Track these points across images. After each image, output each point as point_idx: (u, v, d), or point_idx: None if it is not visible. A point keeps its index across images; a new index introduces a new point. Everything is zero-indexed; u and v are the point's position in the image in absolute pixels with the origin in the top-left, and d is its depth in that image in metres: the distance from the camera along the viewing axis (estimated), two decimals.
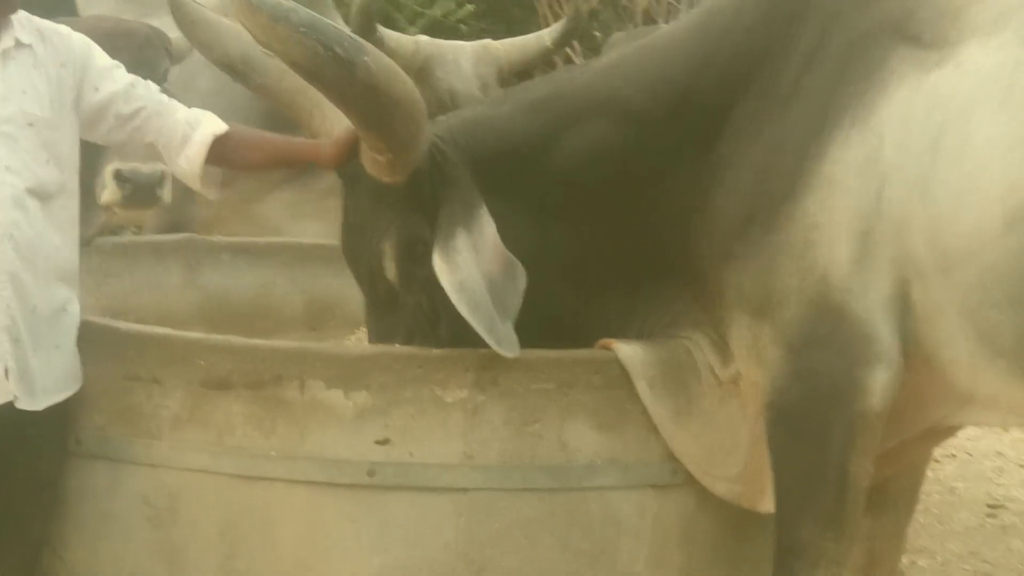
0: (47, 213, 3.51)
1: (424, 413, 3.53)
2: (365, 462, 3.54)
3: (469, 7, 9.63)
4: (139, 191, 4.16)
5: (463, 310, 3.40)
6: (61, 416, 3.59)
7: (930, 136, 3.29)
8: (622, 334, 3.72)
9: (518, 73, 5.84)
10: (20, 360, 3.46)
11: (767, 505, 3.59)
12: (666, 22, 9.40)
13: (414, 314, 3.66)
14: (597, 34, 10.48)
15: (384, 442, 3.53)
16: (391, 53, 5.43)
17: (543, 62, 6.15)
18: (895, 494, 3.89)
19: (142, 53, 4.63)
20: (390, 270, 3.65)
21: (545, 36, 5.87)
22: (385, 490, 3.55)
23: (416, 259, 3.59)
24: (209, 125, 3.75)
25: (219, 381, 3.56)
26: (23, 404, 3.47)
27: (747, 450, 3.64)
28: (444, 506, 3.57)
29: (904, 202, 3.30)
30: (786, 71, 3.54)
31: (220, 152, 3.75)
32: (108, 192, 4.20)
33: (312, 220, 5.63)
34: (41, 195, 3.49)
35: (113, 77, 3.68)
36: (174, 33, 4.54)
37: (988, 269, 3.20)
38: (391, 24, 8.15)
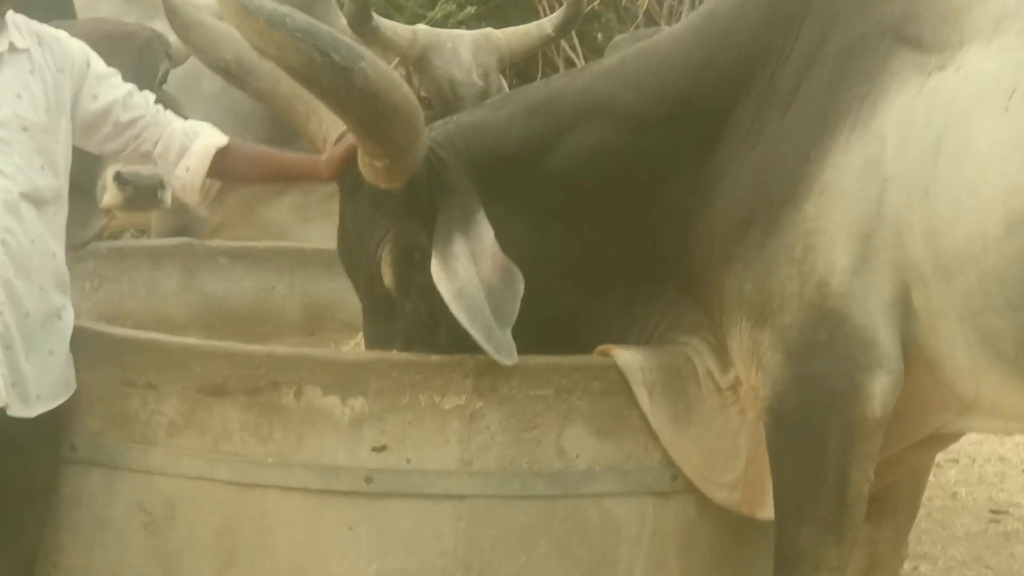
0: (42, 219, 3.49)
1: (422, 419, 3.52)
2: (362, 469, 3.52)
3: (470, 9, 9.60)
4: (140, 194, 4.14)
5: (461, 317, 3.38)
6: (55, 422, 3.57)
7: (931, 140, 3.27)
8: (621, 339, 3.70)
9: (519, 61, 5.82)
10: (13, 367, 3.44)
11: (767, 511, 3.57)
12: (668, 24, 9.39)
13: (412, 321, 3.64)
14: (598, 36, 10.46)
15: (381, 449, 3.51)
16: (388, 43, 5.43)
17: (547, 65, 6.12)
18: (896, 500, 3.87)
19: (141, 56, 4.60)
20: (387, 276, 3.62)
21: (546, 24, 5.84)
22: (382, 497, 3.54)
23: (414, 265, 3.57)
24: (209, 137, 3.74)
25: (215, 387, 3.55)
26: (16, 411, 3.46)
27: (747, 456, 3.63)
28: (442, 513, 3.55)
29: (905, 206, 3.28)
30: (786, 74, 3.52)
31: (219, 165, 3.75)
32: (109, 195, 4.18)
33: (318, 222, 5.62)
34: (36, 201, 3.47)
35: (112, 85, 3.67)
36: (174, 36, 4.52)
37: (989, 273, 3.19)
38: None
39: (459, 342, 3.44)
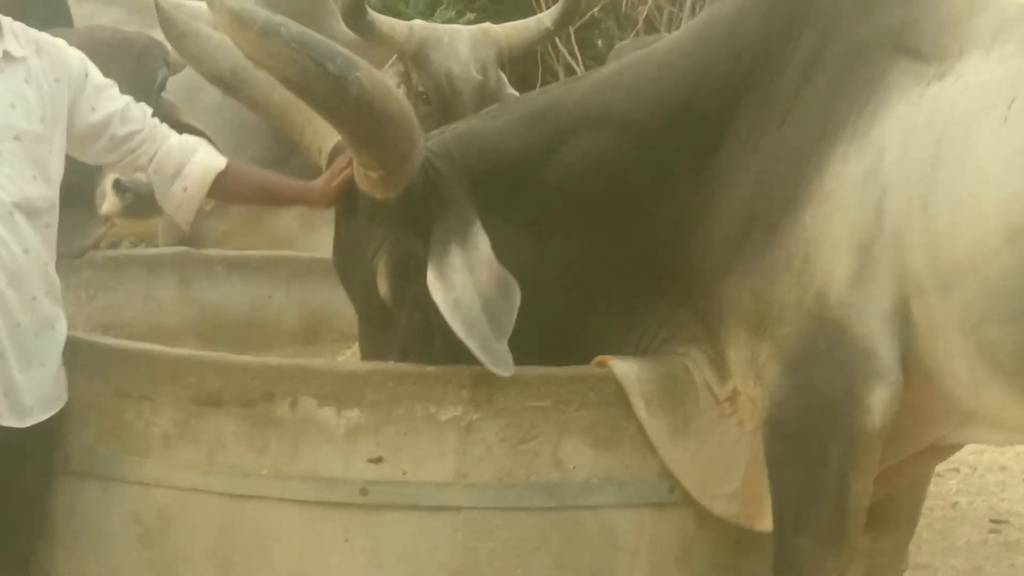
0: (35, 229, 3.46)
1: (418, 431, 3.49)
2: (358, 480, 3.50)
3: (469, 16, 9.60)
4: (139, 201, 4.13)
5: (457, 328, 3.36)
6: (46, 433, 3.55)
7: (930, 149, 3.26)
8: (619, 350, 3.68)
9: (520, 68, 5.79)
10: (5, 377, 3.42)
11: (765, 523, 3.55)
12: (668, 31, 9.38)
13: (407, 332, 3.62)
14: (599, 42, 10.46)
15: (377, 460, 3.49)
16: (384, 38, 5.41)
17: (547, 72, 6.09)
18: (896, 512, 3.85)
19: (139, 63, 4.60)
20: (383, 287, 3.60)
21: (545, 18, 5.80)
22: (378, 509, 3.51)
23: (409, 276, 3.55)
24: (207, 157, 3.73)
25: (210, 398, 3.52)
26: (7, 421, 3.44)
27: (745, 467, 3.61)
28: (438, 525, 3.53)
29: (904, 216, 3.26)
30: (785, 84, 3.51)
31: (216, 187, 3.75)
32: (108, 202, 4.18)
33: (325, 231, 5.55)
34: (29, 211, 3.44)
35: (110, 97, 3.64)
36: None
37: (989, 284, 3.17)
38: None
39: (455, 353, 3.42)
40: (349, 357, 4.59)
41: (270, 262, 5.11)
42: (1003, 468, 6.50)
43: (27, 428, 3.48)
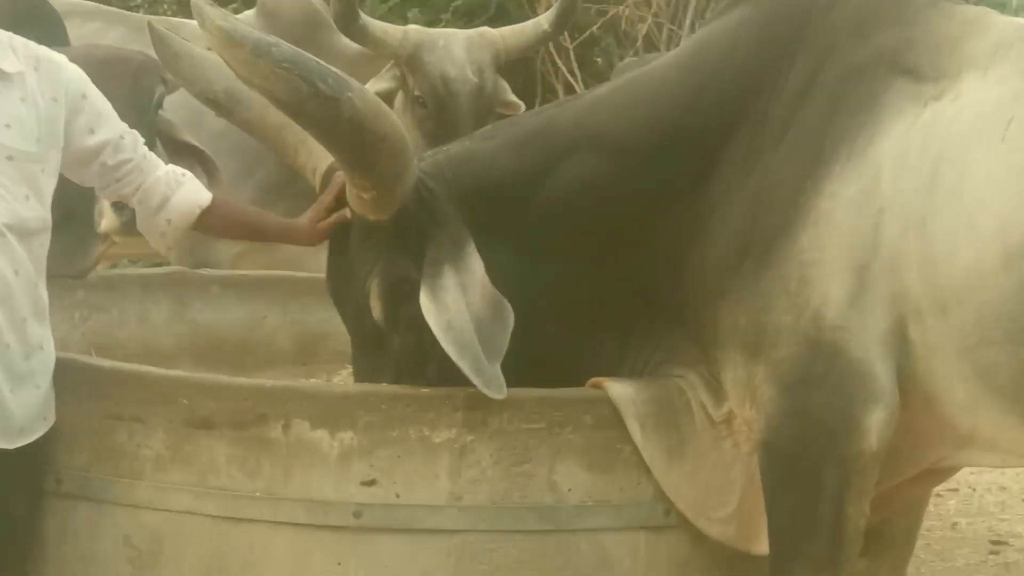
0: (26, 249, 3.43)
1: (411, 453, 3.47)
2: (351, 503, 3.47)
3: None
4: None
5: (450, 350, 3.35)
6: (35, 455, 3.53)
7: (927, 170, 3.25)
8: (614, 372, 3.66)
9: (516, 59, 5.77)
10: None
11: (761, 547, 3.53)
12: (667, 49, 9.36)
13: (401, 354, 3.61)
14: (598, 60, 10.45)
15: (370, 483, 3.47)
16: (378, 42, 5.39)
17: (547, 90, 6.06)
18: (893, 535, 3.83)
19: (136, 81, 4.59)
20: (376, 309, 3.59)
21: (542, 20, 5.77)
22: (372, 532, 3.49)
23: (402, 299, 3.53)
24: (192, 192, 3.71)
25: (202, 420, 3.51)
26: None
27: (741, 490, 3.59)
28: (432, 548, 3.51)
29: (901, 238, 3.25)
30: (780, 104, 3.50)
31: (200, 222, 3.75)
32: (106, 220, 4.16)
33: None
34: (21, 231, 3.41)
35: (109, 124, 3.60)
36: None
37: (986, 307, 3.16)
38: None
39: (449, 376, 3.40)
40: (344, 378, 4.57)
41: (265, 282, 5.09)
42: (1003, 488, 6.47)
43: (15, 449, 3.45)
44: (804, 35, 3.52)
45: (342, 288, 3.72)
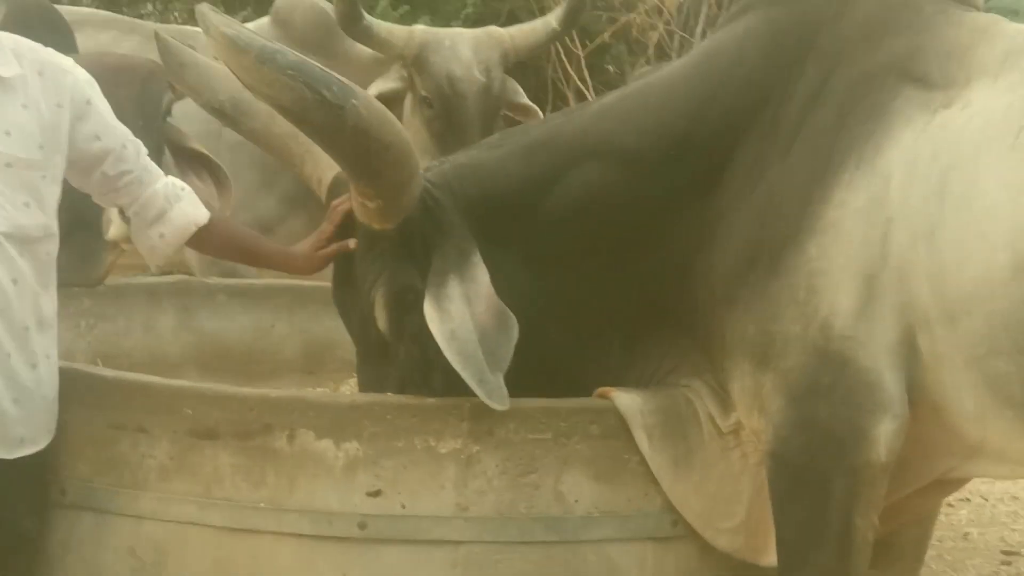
0: (27, 258, 3.41)
1: (417, 464, 3.46)
2: (356, 514, 3.46)
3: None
4: None
5: (453, 360, 3.33)
6: (40, 466, 3.51)
7: (936, 179, 3.22)
8: (621, 382, 3.65)
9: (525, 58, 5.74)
10: None
11: (769, 558, 3.51)
12: (678, 56, 9.35)
13: (406, 364, 3.59)
14: (610, 68, 10.45)
15: (376, 494, 3.46)
16: (383, 43, 5.36)
17: (557, 97, 6.02)
18: (902, 546, 3.82)
19: (144, 88, 4.57)
20: (381, 319, 3.57)
21: (551, 19, 5.70)
22: (377, 543, 3.48)
23: (408, 308, 3.51)
24: (189, 209, 3.67)
25: (207, 430, 3.49)
26: None
27: (749, 501, 3.57)
28: (438, 560, 3.50)
29: (909, 247, 3.23)
30: (789, 112, 3.48)
31: (195, 239, 3.72)
32: (114, 227, 4.13)
33: None
34: (21, 240, 3.39)
35: (113, 132, 3.56)
36: None
37: (996, 317, 3.13)
38: None
39: (454, 386, 3.39)
40: (352, 387, 4.55)
41: (271, 291, 5.09)
42: (1015, 498, 6.43)
43: (17, 462, 3.43)
44: (813, 43, 3.50)
45: (347, 298, 3.71)
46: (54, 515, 3.61)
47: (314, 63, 3.26)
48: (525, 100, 5.72)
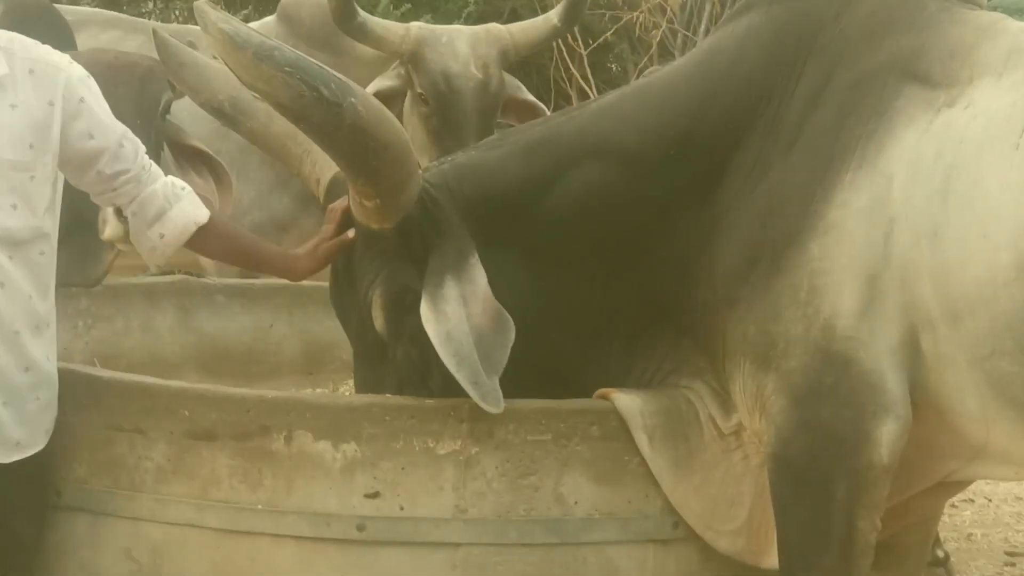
0: (16, 261, 3.37)
1: (415, 465, 3.45)
2: (354, 516, 3.45)
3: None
4: None
5: (448, 361, 3.32)
6: (38, 470, 3.48)
7: (939, 179, 3.20)
8: (621, 383, 3.63)
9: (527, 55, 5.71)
10: None
11: (771, 560, 3.49)
12: (682, 54, 9.34)
13: (403, 366, 3.58)
14: (612, 66, 10.45)
15: (374, 495, 3.45)
16: (379, 40, 5.33)
17: (559, 96, 5.99)
18: (905, 549, 3.79)
19: (143, 86, 4.56)
20: (378, 320, 3.55)
21: (552, 16, 5.61)
22: (375, 545, 3.47)
23: (405, 309, 3.50)
24: (189, 209, 3.61)
25: (204, 432, 3.48)
26: None
27: (750, 503, 3.56)
28: (437, 562, 3.48)
29: (912, 247, 3.21)
30: (790, 112, 3.47)
31: (194, 240, 3.65)
32: (110, 228, 4.08)
33: None
34: (8, 243, 3.34)
35: (107, 131, 3.49)
36: None
37: (999, 317, 3.11)
38: None
39: (451, 388, 3.37)
40: (351, 388, 4.53)
41: (271, 290, 5.05)
42: (1019, 499, 6.42)
43: (17, 463, 3.41)
44: (814, 42, 3.48)
45: (345, 298, 3.70)
46: (50, 517, 3.59)
47: (312, 60, 3.25)
48: (528, 96, 5.69)
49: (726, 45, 3.58)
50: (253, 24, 5.63)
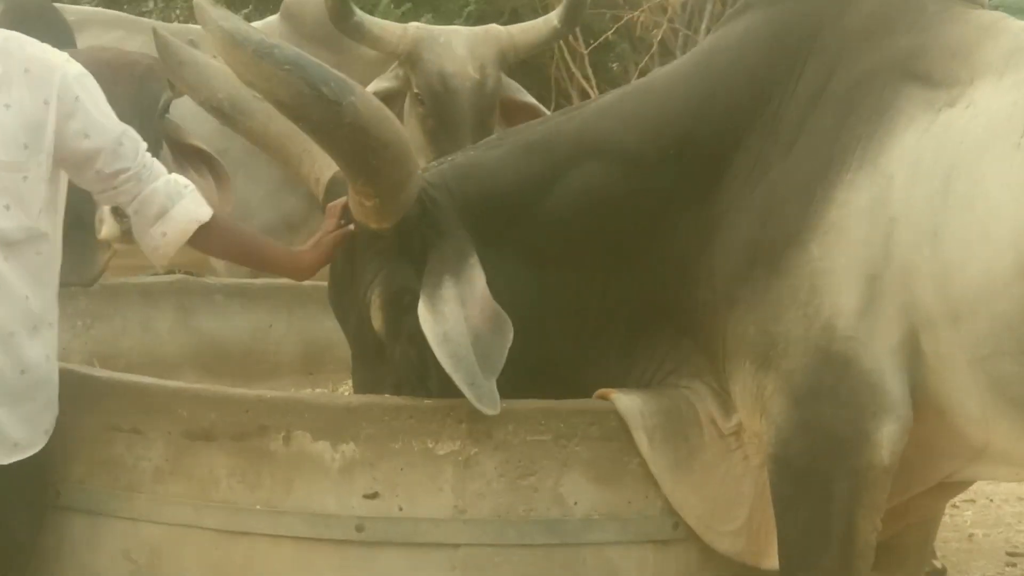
0: (10, 262, 3.35)
1: (414, 466, 3.44)
2: (353, 517, 3.44)
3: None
4: None
5: (445, 362, 3.31)
6: (36, 471, 3.47)
7: (940, 179, 3.20)
8: (621, 383, 3.62)
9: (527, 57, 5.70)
10: None
11: (771, 561, 3.49)
12: (683, 54, 9.33)
13: (401, 366, 3.57)
14: (613, 66, 10.44)
15: (373, 496, 3.44)
16: (376, 40, 5.31)
17: (560, 95, 5.97)
18: (905, 549, 3.78)
19: (142, 84, 4.56)
20: (377, 320, 3.55)
21: (552, 17, 5.59)
22: (374, 546, 3.46)
23: (404, 309, 3.48)
24: (191, 206, 3.58)
25: (202, 432, 3.47)
26: None
27: (750, 504, 3.55)
28: (436, 563, 3.47)
29: (912, 247, 3.21)
30: (790, 112, 3.46)
31: (196, 238, 3.61)
32: (107, 227, 4.09)
33: None
34: (2, 243, 3.33)
35: (104, 129, 3.46)
36: None
37: (1000, 318, 3.11)
38: None
39: (450, 389, 3.36)
40: (351, 388, 4.52)
41: (270, 290, 5.04)
42: (1020, 499, 6.42)
43: (15, 464, 3.40)
44: (814, 41, 3.48)
45: (344, 298, 3.69)
46: (48, 517, 3.58)
47: (312, 58, 3.25)
48: (528, 98, 5.67)
49: (726, 45, 3.58)
50: (257, 23, 5.63)
